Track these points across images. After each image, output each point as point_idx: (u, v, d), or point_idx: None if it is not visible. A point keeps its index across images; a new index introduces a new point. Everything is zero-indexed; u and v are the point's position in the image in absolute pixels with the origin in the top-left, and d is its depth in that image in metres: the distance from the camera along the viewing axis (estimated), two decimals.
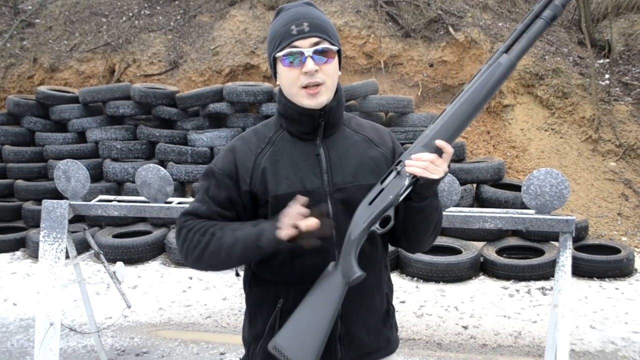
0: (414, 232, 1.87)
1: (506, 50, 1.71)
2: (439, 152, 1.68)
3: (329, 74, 1.76)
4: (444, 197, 3.27)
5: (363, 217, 1.73)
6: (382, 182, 1.75)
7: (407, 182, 1.71)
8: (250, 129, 1.93)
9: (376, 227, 1.75)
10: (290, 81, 1.75)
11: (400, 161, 1.74)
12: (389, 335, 1.98)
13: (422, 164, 1.66)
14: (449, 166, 1.73)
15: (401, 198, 1.74)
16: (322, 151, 1.82)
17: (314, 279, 1.74)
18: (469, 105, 1.70)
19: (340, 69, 1.84)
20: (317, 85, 1.73)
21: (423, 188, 1.73)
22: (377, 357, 1.94)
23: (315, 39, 1.72)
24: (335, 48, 1.76)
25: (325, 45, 1.73)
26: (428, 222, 1.83)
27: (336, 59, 1.79)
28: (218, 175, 1.83)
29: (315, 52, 1.71)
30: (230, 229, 1.74)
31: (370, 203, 1.74)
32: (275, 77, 1.83)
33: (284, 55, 1.72)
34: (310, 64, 1.70)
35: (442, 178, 1.72)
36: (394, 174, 1.74)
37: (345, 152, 1.85)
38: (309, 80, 1.72)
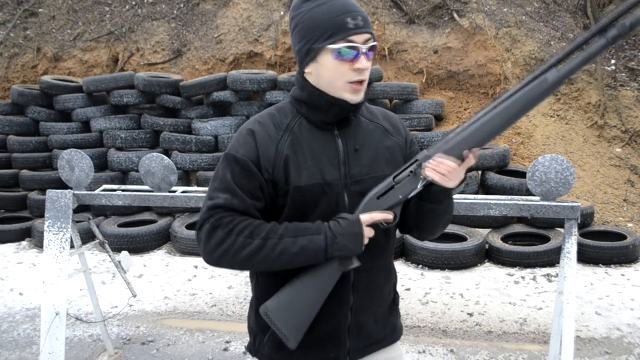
0: (424, 226, 1.89)
1: (557, 63, 1.61)
2: (460, 159, 1.68)
3: (369, 71, 1.73)
4: None
5: (371, 210, 1.73)
6: (394, 178, 1.73)
7: (419, 185, 1.72)
8: (264, 113, 1.83)
9: (380, 222, 1.75)
10: (336, 74, 1.68)
11: (417, 160, 1.73)
12: (395, 322, 1.99)
13: (442, 169, 1.66)
14: (466, 176, 1.74)
15: (410, 197, 1.75)
16: (339, 142, 1.78)
17: None
18: (504, 117, 1.65)
19: None
20: (362, 81, 1.70)
21: (437, 193, 1.74)
22: (383, 345, 1.94)
23: (368, 35, 1.68)
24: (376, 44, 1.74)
25: (374, 42, 1.70)
26: (438, 219, 1.85)
27: None
28: (243, 163, 1.71)
29: (368, 49, 1.68)
30: (288, 236, 1.67)
31: (379, 197, 1.73)
32: (305, 64, 1.74)
33: (338, 48, 1.65)
34: (365, 61, 1.66)
35: (458, 186, 1.73)
36: (407, 172, 1.73)
37: (361, 142, 1.81)
38: (358, 77, 1.68)
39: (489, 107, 1.68)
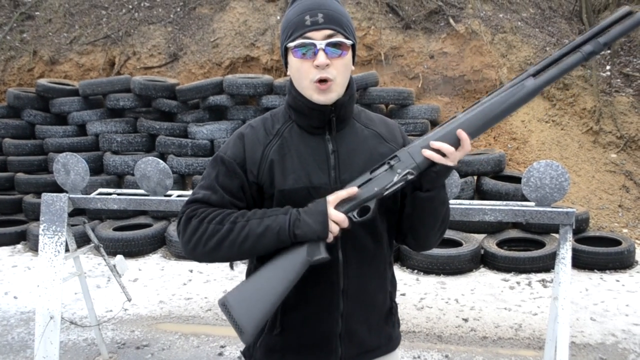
0: (421, 225, 1.83)
1: (535, 74, 1.67)
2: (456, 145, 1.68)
3: (341, 70, 1.69)
4: None
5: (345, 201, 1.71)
6: (371, 172, 1.72)
7: (396, 178, 1.69)
8: (258, 118, 1.85)
9: (353, 214, 1.70)
10: (301, 74, 1.69)
11: (395, 156, 1.71)
12: (391, 332, 1.95)
13: (444, 149, 1.65)
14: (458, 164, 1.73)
15: (386, 193, 1.71)
16: (330, 146, 1.77)
17: (317, 274, 1.71)
18: (480, 120, 1.68)
19: (354, 63, 1.77)
20: (327, 81, 1.67)
21: (437, 175, 1.70)
22: (378, 354, 1.92)
23: (329, 31, 1.65)
24: (349, 42, 1.69)
25: (339, 38, 1.66)
26: (436, 214, 1.80)
27: (350, 53, 1.72)
28: (228, 164, 1.75)
29: (328, 44, 1.65)
30: (255, 218, 1.67)
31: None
32: (286, 67, 1.77)
33: (295, 47, 1.66)
34: (322, 57, 1.64)
35: (454, 167, 1.70)
36: (385, 166, 1.71)
37: (354, 148, 1.80)
38: (320, 75, 1.65)
39: (469, 108, 1.70)
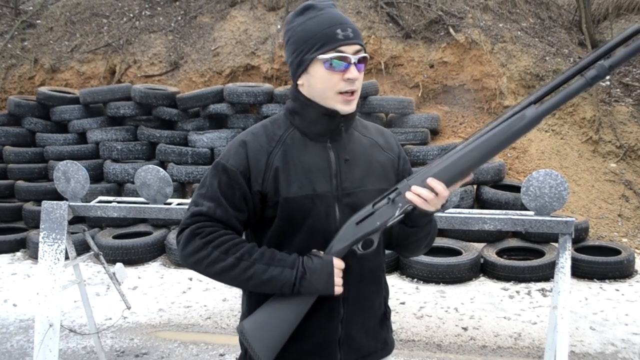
0: (405, 247, 1.94)
1: (536, 101, 1.63)
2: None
3: (361, 82, 1.76)
4: None
5: (348, 235, 1.74)
6: (373, 206, 1.75)
7: (397, 212, 1.73)
8: (259, 125, 1.86)
9: (358, 247, 1.76)
10: (327, 85, 1.71)
11: (396, 188, 1.74)
12: (386, 337, 1.99)
13: (423, 195, 1.68)
14: (443, 205, 1.76)
15: (389, 224, 1.75)
16: (332, 154, 1.79)
17: None
18: (481, 152, 1.68)
19: None
20: (353, 92, 1.73)
21: (418, 218, 1.77)
22: (374, 358, 1.95)
23: (358, 47, 1.72)
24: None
25: (364, 54, 1.74)
26: (419, 243, 1.90)
27: None
28: (231, 173, 1.74)
29: (359, 59, 1.71)
30: (262, 262, 1.70)
31: (358, 223, 1.74)
32: (297, 76, 1.77)
33: (329, 59, 1.68)
34: (355, 72, 1.70)
35: (437, 211, 1.76)
36: (386, 200, 1.74)
37: (355, 156, 1.83)
38: (349, 87, 1.71)
39: (470, 139, 1.70)
